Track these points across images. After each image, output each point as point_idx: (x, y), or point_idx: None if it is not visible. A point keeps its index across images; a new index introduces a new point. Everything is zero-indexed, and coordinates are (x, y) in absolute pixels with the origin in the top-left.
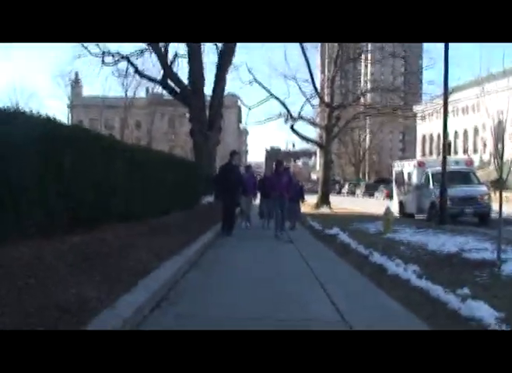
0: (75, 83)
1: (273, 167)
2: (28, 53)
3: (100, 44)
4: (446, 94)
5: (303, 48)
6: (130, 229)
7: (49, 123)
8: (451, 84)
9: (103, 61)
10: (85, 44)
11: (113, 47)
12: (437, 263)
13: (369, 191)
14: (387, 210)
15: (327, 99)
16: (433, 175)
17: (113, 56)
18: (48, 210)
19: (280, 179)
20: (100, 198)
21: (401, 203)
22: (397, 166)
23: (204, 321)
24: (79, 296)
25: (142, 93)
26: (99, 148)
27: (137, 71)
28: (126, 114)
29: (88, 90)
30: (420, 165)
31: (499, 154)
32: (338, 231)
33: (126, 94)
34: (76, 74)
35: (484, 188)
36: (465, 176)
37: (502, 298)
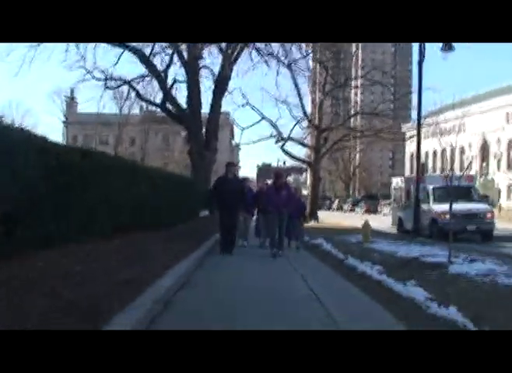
0: (71, 100)
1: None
2: (24, 70)
3: (104, 69)
4: (419, 119)
5: (293, 75)
6: (153, 236)
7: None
8: (438, 105)
9: (106, 85)
10: (90, 69)
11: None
12: (399, 264)
13: (356, 207)
14: (366, 223)
15: (315, 122)
16: (433, 191)
17: (115, 81)
18: (103, 221)
19: (279, 194)
20: (133, 212)
21: (400, 220)
22: (395, 182)
23: (213, 296)
24: (132, 276)
25: (136, 110)
26: (133, 173)
27: (138, 94)
28: (121, 131)
29: (83, 106)
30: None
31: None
32: (322, 242)
33: (121, 111)
34: (72, 91)
35: (486, 205)
36: (466, 192)
37: (436, 287)
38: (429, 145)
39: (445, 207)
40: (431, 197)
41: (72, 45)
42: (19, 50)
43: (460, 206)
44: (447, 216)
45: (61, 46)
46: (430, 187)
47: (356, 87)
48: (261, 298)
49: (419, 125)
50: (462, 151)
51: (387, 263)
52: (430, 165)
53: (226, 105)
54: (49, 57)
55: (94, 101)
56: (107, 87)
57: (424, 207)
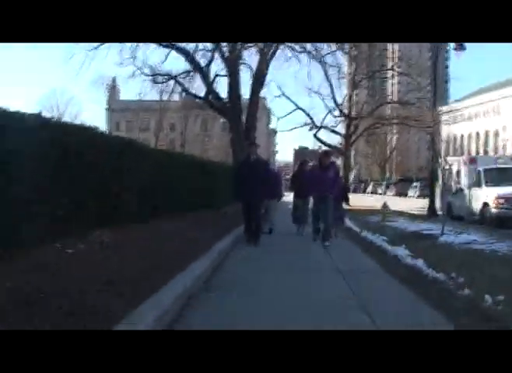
0: (113, 88)
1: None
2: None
3: (152, 66)
4: (434, 111)
5: (324, 69)
6: (211, 214)
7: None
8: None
9: (154, 80)
10: (139, 66)
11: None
12: (402, 236)
13: (388, 190)
14: (384, 205)
15: (346, 111)
16: (485, 173)
17: (162, 76)
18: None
19: (325, 175)
20: (191, 196)
21: (448, 205)
22: (443, 164)
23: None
24: (197, 238)
25: (175, 96)
26: (201, 167)
27: (184, 89)
28: (161, 117)
29: (124, 93)
30: (471, 162)
31: None
32: (346, 220)
33: (161, 98)
34: (114, 79)
35: None
36: None
37: (418, 249)
38: (464, 129)
39: (498, 190)
40: (482, 180)
41: (127, 46)
42: (81, 53)
43: None
44: (501, 200)
45: (116, 47)
46: (481, 169)
47: (387, 77)
48: (291, 252)
49: (435, 113)
50: (497, 134)
51: (391, 235)
52: (466, 148)
53: (262, 94)
54: (105, 58)
55: (142, 93)
56: (155, 82)
57: (475, 190)
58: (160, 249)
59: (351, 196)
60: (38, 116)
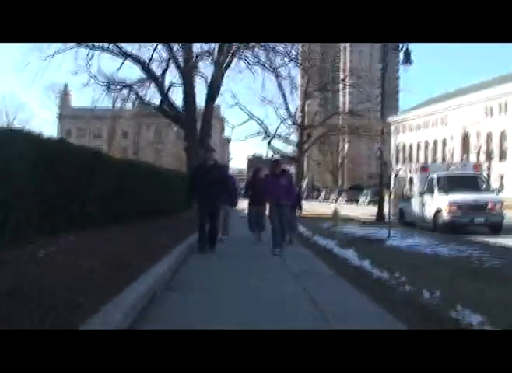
0: (64, 95)
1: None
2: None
3: (107, 74)
4: (383, 120)
5: (278, 80)
6: (168, 218)
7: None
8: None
9: (108, 88)
10: (94, 74)
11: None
12: (350, 240)
13: (340, 197)
14: (335, 210)
15: (298, 120)
16: (438, 180)
17: (117, 85)
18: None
19: (279, 182)
20: (155, 202)
21: (401, 211)
22: (396, 171)
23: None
24: (164, 242)
25: (129, 103)
26: (156, 174)
27: (138, 97)
28: (114, 124)
29: (76, 100)
30: (423, 170)
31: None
32: (298, 226)
33: (114, 106)
34: (65, 86)
35: (495, 195)
36: (474, 182)
37: (366, 252)
38: (413, 138)
39: (451, 197)
40: (435, 187)
41: (82, 55)
42: (35, 62)
43: (466, 196)
44: (454, 207)
45: (70, 55)
46: (435, 176)
47: (339, 89)
48: (247, 257)
49: (384, 123)
50: (444, 143)
51: (341, 240)
52: (415, 156)
53: (217, 103)
54: (59, 66)
55: (95, 101)
56: (109, 90)
57: (427, 197)
58: (122, 252)
59: (304, 203)
60: (15, 130)
